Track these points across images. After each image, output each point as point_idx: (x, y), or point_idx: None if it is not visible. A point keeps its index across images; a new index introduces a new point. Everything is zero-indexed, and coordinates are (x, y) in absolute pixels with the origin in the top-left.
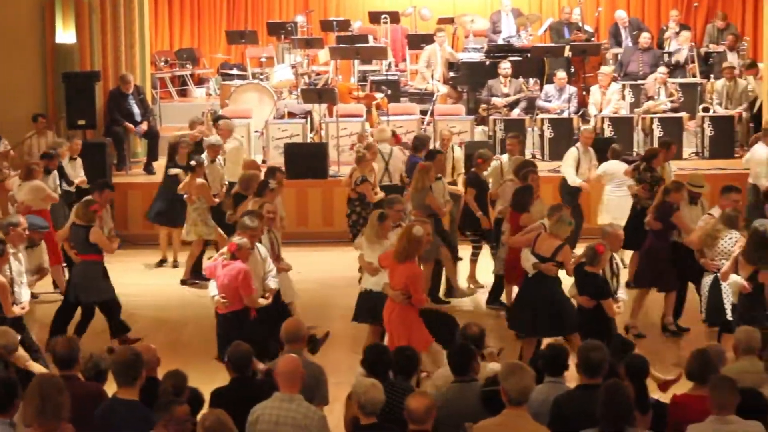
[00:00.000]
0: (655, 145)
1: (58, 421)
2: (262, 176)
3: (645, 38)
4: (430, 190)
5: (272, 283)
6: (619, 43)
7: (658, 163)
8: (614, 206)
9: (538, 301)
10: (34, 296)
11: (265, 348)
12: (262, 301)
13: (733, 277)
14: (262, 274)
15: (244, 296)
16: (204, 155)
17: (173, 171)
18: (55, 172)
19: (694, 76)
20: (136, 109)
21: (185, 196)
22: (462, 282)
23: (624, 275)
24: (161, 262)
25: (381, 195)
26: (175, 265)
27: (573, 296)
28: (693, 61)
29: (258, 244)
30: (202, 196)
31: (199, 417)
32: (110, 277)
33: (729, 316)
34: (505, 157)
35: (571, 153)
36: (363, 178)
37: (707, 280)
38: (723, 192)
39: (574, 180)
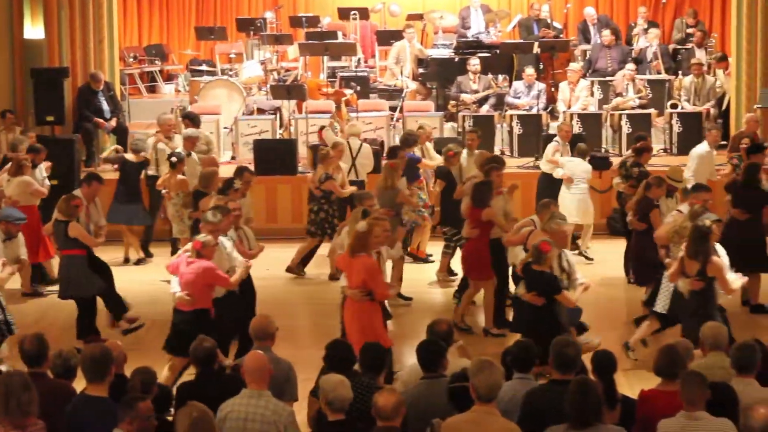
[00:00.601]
0: (625, 142)
1: (24, 417)
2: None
3: (606, 35)
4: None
5: (238, 273)
6: (587, 40)
7: (647, 160)
8: (567, 204)
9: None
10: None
11: (225, 346)
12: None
13: (680, 283)
14: (227, 268)
15: (225, 286)
16: (181, 149)
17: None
18: (41, 165)
19: (659, 72)
20: (105, 106)
21: (164, 191)
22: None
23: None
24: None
25: (351, 189)
26: (137, 262)
27: (521, 295)
28: (657, 58)
29: (223, 239)
30: (182, 192)
31: (179, 410)
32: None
33: None
34: (464, 153)
35: (552, 146)
36: (326, 176)
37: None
38: (693, 190)
39: (557, 172)
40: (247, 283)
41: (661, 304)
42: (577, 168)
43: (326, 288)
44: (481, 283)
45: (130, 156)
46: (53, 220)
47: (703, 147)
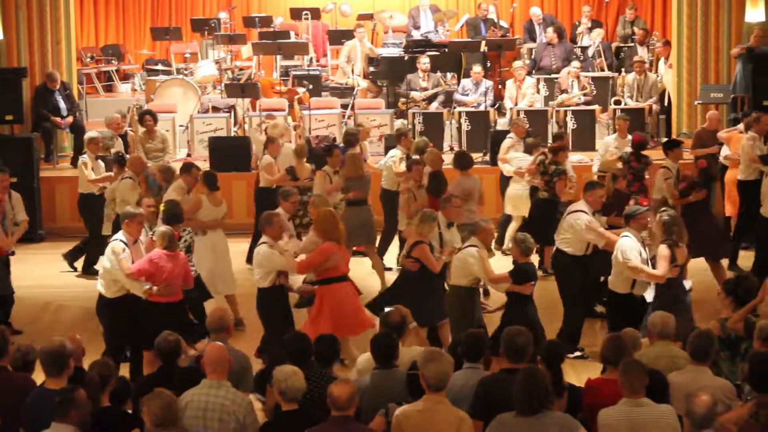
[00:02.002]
0: (570, 138)
1: None
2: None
3: (549, 34)
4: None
5: None
6: (533, 39)
7: (564, 159)
8: (515, 198)
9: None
10: None
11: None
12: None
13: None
14: None
15: (189, 281)
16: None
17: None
18: None
19: (602, 70)
20: (62, 104)
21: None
22: None
23: None
24: None
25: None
26: None
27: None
28: (600, 56)
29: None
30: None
31: (147, 397)
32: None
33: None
34: (398, 153)
35: (507, 143)
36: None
37: None
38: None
39: (505, 169)
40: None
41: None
42: (525, 163)
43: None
44: None
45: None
46: None
47: (611, 137)
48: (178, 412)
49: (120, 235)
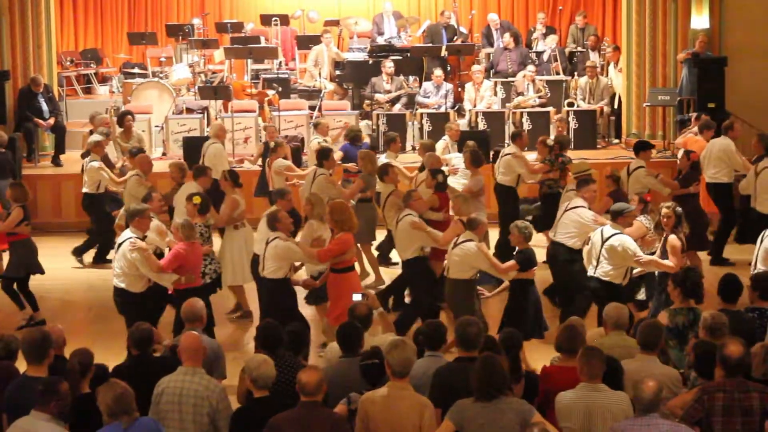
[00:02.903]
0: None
1: None
2: None
3: (506, 39)
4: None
5: None
6: (491, 44)
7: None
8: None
9: None
10: None
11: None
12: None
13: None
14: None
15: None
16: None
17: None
18: None
19: (557, 74)
20: (44, 106)
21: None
22: None
23: None
24: None
25: None
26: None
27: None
28: (555, 61)
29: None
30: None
31: (101, 387)
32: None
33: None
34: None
35: (440, 144)
36: None
37: None
38: (580, 185)
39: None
40: None
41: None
42: (460, 162)
43: None
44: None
45: None
46: None
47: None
48: (132, 402)
49: (129, 232)
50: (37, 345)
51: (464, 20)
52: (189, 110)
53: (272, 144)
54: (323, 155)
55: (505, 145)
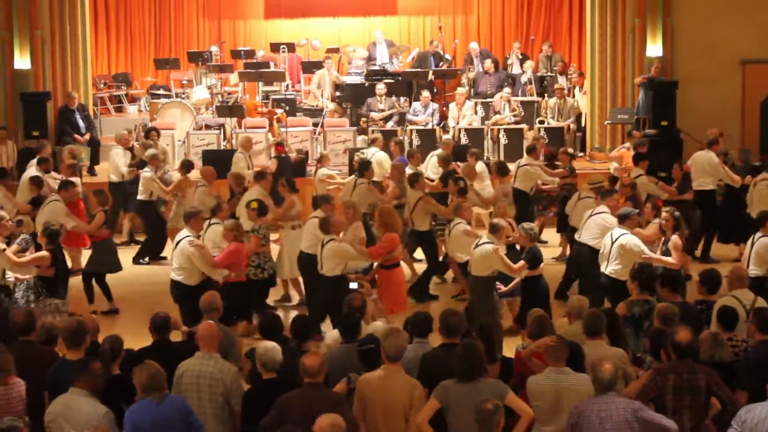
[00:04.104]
0: (502, 152)
1: (6, 376)
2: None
3: (487, 64)
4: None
5: None
6: (472, 69)
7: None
8: None
9: None
10: None
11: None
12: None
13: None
14: None
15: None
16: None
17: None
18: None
19: (531, 95)
20: (80, 123)
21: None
22: None
23: None
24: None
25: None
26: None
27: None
28: (531, 83)
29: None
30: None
31: (137, 367)
32: None
33: None
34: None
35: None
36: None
37: None
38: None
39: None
40: None
41: None
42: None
43: None
44: None
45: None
46: None
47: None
48: (163, 380)
49: (186, 231)
50: (74, 332)
51: (449, 48)
52: (207, 126)
53: (292, 154)
54: (364, 167)
55: (485, 157)
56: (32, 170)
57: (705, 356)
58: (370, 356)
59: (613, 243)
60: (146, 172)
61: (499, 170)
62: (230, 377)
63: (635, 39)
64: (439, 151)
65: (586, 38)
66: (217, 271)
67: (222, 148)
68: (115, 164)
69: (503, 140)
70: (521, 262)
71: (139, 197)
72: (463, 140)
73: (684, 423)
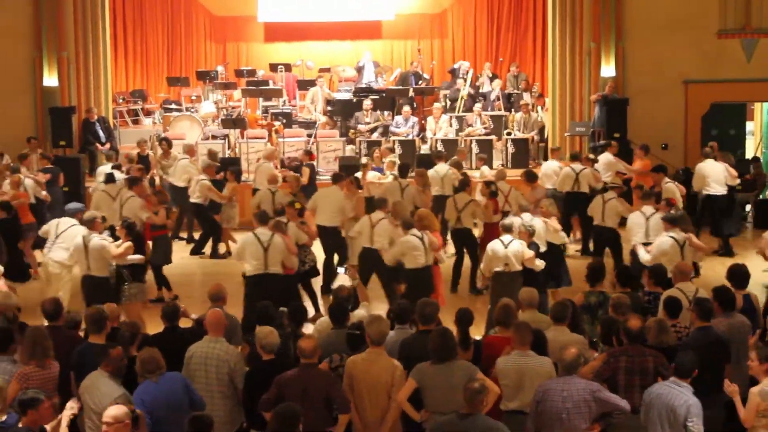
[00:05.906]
0: (473, 160)
1: (45, 359)
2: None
3: (459, 83)
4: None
5: None
6: (447, 87)
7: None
8: None
9: None
10: None
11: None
12: None
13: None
14: None
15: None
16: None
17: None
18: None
19: (500, 110)
20: (101, 134)
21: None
22: None
23: None
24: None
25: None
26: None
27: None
28: (499, 100)
29: None
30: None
31: (138, 354)
32: None
33: None
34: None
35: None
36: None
37: None
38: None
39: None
40: None
41: None
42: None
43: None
44: None
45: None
46: None
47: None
48: (157, 362)
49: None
50: (96, 319)
51: (427, 68)
52: (214, 137)
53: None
54: (404, 170)
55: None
56: (117, 173)
57: (652, 341)
58: (356, 341)
59: None
60: (204, 180)
61: (527, 177)
62: (234, 358)
63: (591, 60)
64: (454, 157)
65: (548, 60)
66: (293, 258)
67: (227, 155)
68: (181, 171)
69: (475, 150)
70: (531, 254)
71: (192, 200)
72: (440, 147)
73: (634, 400)
